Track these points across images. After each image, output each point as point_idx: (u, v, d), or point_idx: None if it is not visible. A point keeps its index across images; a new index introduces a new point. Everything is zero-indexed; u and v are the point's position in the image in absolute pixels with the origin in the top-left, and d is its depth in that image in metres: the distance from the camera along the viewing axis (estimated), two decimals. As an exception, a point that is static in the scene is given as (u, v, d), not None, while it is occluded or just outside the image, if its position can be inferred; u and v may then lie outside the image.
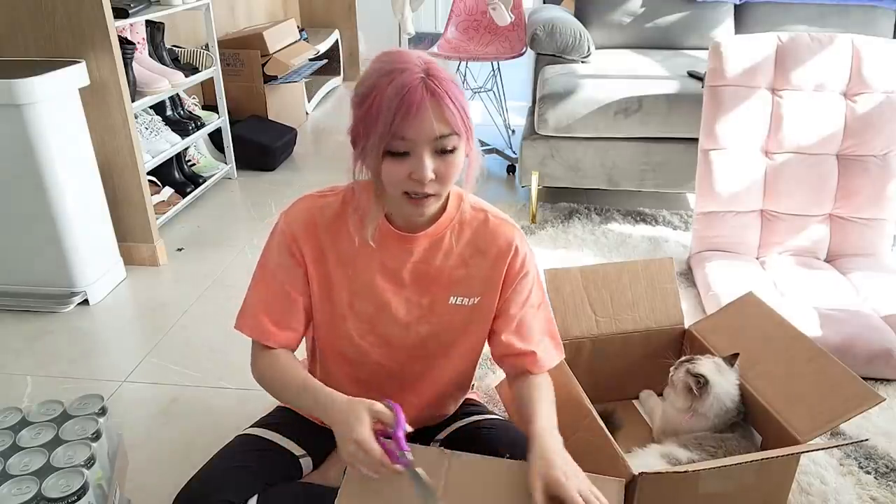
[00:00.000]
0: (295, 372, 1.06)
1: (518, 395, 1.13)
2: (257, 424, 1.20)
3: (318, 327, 1.14)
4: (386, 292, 1.09)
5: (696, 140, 2.28)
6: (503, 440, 1.13)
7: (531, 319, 1.14)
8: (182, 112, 2.87)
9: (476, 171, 1.02)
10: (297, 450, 1.17)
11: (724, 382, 1.38)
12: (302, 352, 1.25)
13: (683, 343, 1.59)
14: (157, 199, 2.58)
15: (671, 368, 1.45)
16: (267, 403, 1.23)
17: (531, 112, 2.83)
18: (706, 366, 1.40)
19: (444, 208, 1.06)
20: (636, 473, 1.08)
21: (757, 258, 2.23)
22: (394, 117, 0.89)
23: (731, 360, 1.43)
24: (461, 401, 1.28)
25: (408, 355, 1.14)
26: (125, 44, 2.24)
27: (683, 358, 1.45)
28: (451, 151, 0.94)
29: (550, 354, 1.16)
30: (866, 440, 1.56)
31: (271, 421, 1.21)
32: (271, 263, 1.10)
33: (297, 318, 1.11)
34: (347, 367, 1.16)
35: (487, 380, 1.73)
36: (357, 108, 0.94)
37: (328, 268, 1.08)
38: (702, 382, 1.36)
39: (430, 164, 0.92)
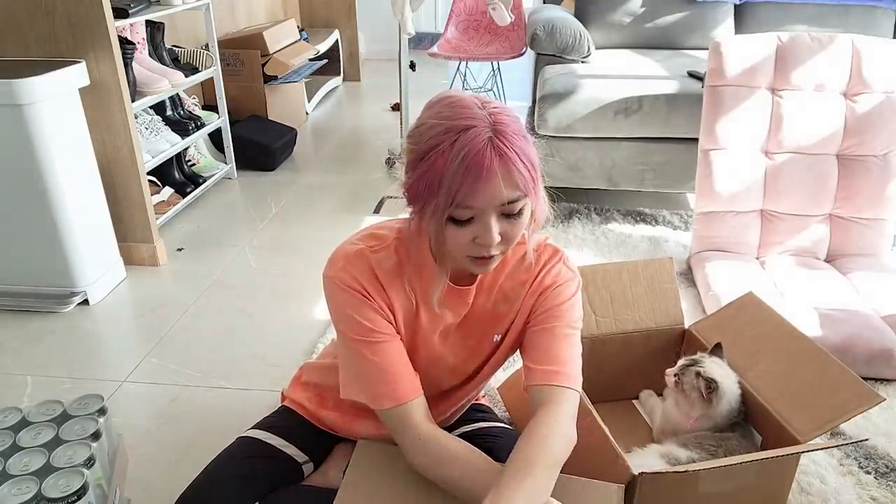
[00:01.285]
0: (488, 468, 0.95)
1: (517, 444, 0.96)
2: (259, 426, 1.19)
3: None
4: (440, 345, 1.06)
5: (696, 140, 2.28)
6: (508, 450, 1.13)
7: (549, 342, 1.03)
8: (182, 112, 2.87)
9: (541, 223, 0.96)
10: (299, 456, 1.16)
11: (730, 384, 1.38)
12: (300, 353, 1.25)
13: (683, 343, 1.59)
14: (157, 199, 2.58)
15: (672, 374, 1.44)
16: (268, 403, 1.23)
17: (531, 112, 2.84)
18: (714, 369, 1.39)
19: None
20: (636, 473, 1.08)
21: (757, 258, 2.23)
22: (460, 185, 0.82)
23: (717, 351, 1.43)
24: (471, 402, 1.29)
25: (449, 386, 1.14)
26: (125, 44, 2.24)
27: (685, 361, 1.43)
28: (519, 213, 0.89)
29: (575, 376, 1.01)
30: (866, 440, 1.55)
31: (273, 423, 1.20)
32: (357, 328, 0.98)
33: (408, 360, 1.02)
34: None
35: (489, 381, 1.73)
36: (415, 164, 0.87)
37: (395, 321, 1.02)
38: (713, 388, 1.35)
39: (496, 228, 0.87)
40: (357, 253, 0.99)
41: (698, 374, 1.37)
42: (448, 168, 0.82)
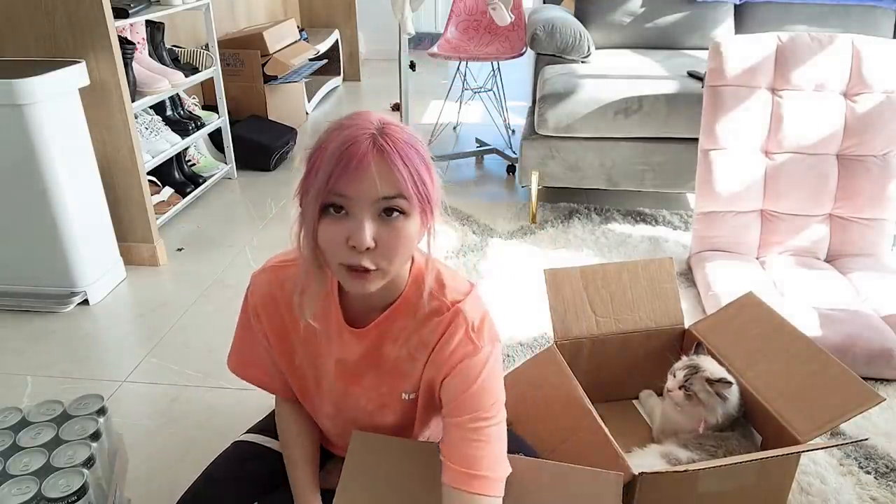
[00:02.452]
0: (298, 471, 1.07)
1: None
2: (255, 430, 1.19)
3: (295, 393, 1.10)
4: (345, 382, 1.01)
5: (696, 140, 2.28)
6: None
7: (459, 439, 0.91)
8: (182, 112, 2.87)
9: (433, 248, 0.89)
10: None
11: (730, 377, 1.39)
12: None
13: (683, 343, 1.59)
14: (157, 199, 2.59)
15: (678, 386, 1.42)
16: (267, 403, 1.23)
17: (531, 112, 2.84)
18: (717, 368, 1.39)
19: (399, 294, 0.94)
20: (636, 473, 1.08)
21: (757, 258, 2.23)
22: (332, 169, 0.79)
23: (699, 349, 1.45)
24: None
25: (382, 433, 1.08)
26: (125, 44, 2.24)
27: (684, 371, 1.41)
28: (399, 217, 0.82)
29: (464, 477, 0.89)
30: (866, 440, 1.56)
31: (266, 426, 1.19)
32: (236, 343, 1.09)
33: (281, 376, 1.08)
34: (332, 428, 1.11)
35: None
36: (304, 165, 0.85)
37: (292, 346, 1.01)
38: (728, 383, 1.35)
39: (370, 229, 0.80)
40: (268, 268, 1.01)
41: (708, 379, 1.37)
42: (328, 155, 0.80)
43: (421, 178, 0.82)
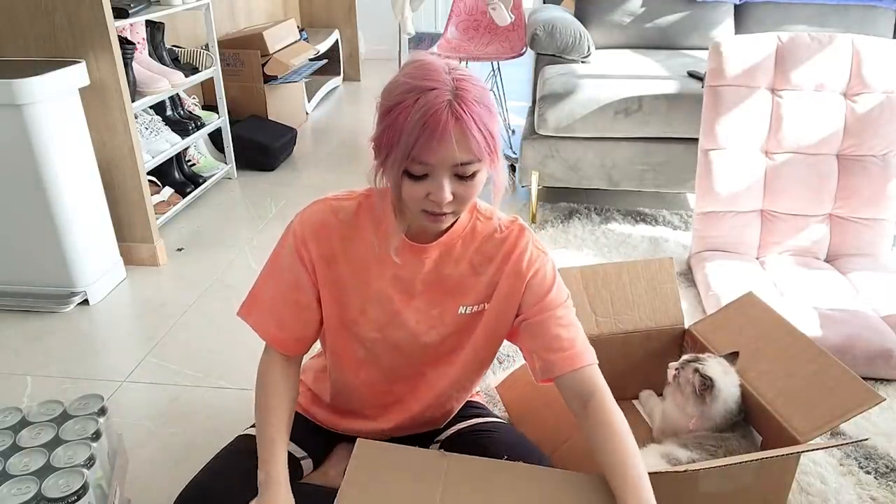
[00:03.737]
0: (275, 417, 1.06)
1: (597, 450, 0.99)
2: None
3: (329, 330, 1.13)
4: (397, 302, 1.07)
5: (696, 140, 2.28)
6: (505, 443, 1.13)
7: (557, 324, 1.07)
8: (182, 112, 2.87)
9: (501, 189, 1.00)
10: (297, 451, 1.17)
11: (729, 384, 1.37)
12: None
13: (683, 343, 1.59)
14: (157, 199, 2.59)
15: (673, 368, 1.44)
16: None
17: (531, 112, 2.84)
18: (714, 368, 1.39)
19: (454, 220, 1.05)
20: (636, 473, 1.08)
21: (757, 258, 2.23)
22: (415, 141, 0.87)
23: (731, 358, 1.43)
24: (462, 402, 1.28)
25: (417, 360, 1.14)
26: (125, 44, 2.24)
27: (687, 357, 1.43)
28: (472, 176, 0.92)
29: (587, 349, 1.08)
30: (866, 440, 1.56)
31: None
32: (282, 262, 1.08)
33: (301, 323, 1.09)
34: (360, 371, 1.15)
35: (488, 380, 1.73)
36: (381, 119, 0.92)
37: (339, 272, 1.06)
38: (708, 385, 1.35)
39: (448, 187, 0.91)
40: (319, 200, 1.08)
41: (696, 370, 1.37)
42: (408, 123, 0.87)
43: (492, 135, 0.91)
